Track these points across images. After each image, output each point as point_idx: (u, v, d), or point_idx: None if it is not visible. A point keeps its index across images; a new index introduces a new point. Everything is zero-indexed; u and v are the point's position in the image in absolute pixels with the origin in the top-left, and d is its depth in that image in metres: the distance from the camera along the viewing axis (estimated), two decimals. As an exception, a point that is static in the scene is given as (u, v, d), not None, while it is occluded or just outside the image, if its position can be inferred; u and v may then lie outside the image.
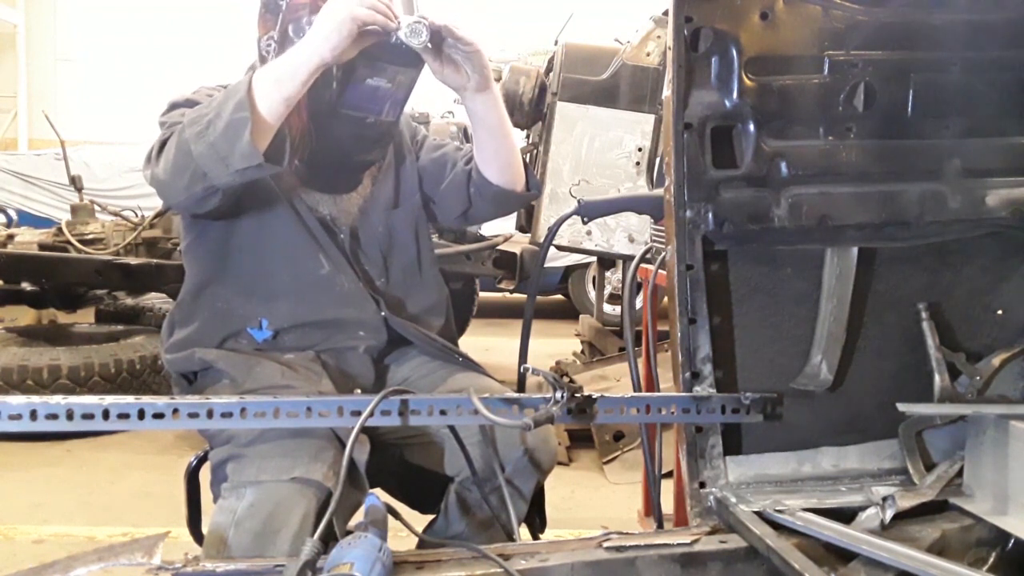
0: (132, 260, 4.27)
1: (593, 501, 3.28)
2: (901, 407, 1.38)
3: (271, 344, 1.63)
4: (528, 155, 3.68)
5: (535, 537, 1.68)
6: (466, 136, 4.51)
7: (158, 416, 1.21)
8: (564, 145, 3.44)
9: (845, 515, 1.29)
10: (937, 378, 1.40)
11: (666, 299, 1.43)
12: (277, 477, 1.32)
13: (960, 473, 1.38)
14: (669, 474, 2.37)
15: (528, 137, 3.98)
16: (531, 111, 3.53)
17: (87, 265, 4.23)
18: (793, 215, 1.36)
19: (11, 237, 4.66)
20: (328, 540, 1.09)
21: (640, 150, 3.43)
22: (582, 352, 4.90)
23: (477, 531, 1.59)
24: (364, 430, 1.26)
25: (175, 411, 1.22)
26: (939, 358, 1.41)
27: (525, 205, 3.33)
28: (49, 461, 3.56)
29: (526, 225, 3.95)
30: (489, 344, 5.62)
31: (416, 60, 1.52)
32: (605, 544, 1.19)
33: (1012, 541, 1.26)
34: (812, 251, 1.41)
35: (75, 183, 4.85)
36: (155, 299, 5.14)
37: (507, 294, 6.52)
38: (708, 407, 1.35)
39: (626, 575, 1.17)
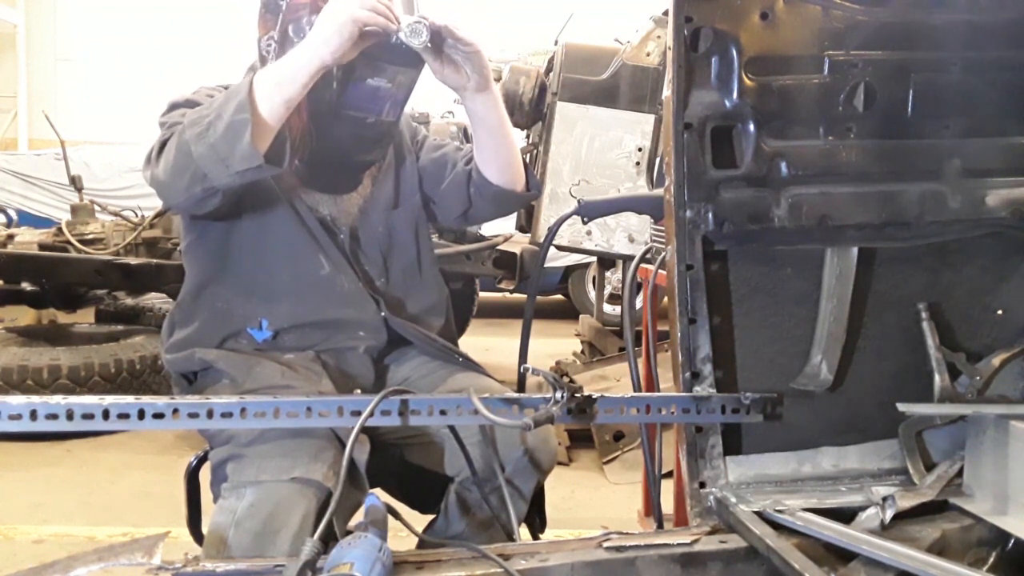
0: (132, 260, 4.28)
1: (593, 501, 3.28)
2: (901, 407, 1.38)
3: (271, 344, 1.63)
4: (528, 155, 3.68)
5: (535, 537, 1.68)
6: (466, 136, 4.51)
7: (158, 416, 1.21)
8: (564, 145, 3.45)
9: (845, 515, 1.29)
10: (937, 378, 1.40)
11: (666, 299, 1.43)
12: (277, 477, 1.32)
13: (960, 473, 1.38)
14: (669, 474, 2.37)
15: (528, 137, 3.98)
16: (531, 111, 3.53)
17: (87, 265, 4.24)
18: (793, 215, 1.36)
19: (11, 237, 4.67)
20: (328, 540, 1.09)
21: (640, 150, 3.43)
22: (582, 352, 4.90)
23: (477, 531, 1.59)
24: (364, 430, 1.26)
25: (175, 411, 1.22)
26: (939, 358, 1.41)
27: (525, 205, 3.33)
28: (49, 461, 3.56)
29: (526, 225, 3.95)
30: (489, 344, 5.62)
31: (416, 60, 1.52)
32: (605, 544, 1.19)
33: (1012, 541, 1.26)
34: (812, 251, 1.41)
35: (75, 183, 4.85)
36: (155, 299, 5.14)
37: (507, 294, 6.52)
38: (708, 407, 1.35)
39: (626, 575, 1.17)
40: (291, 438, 1.35)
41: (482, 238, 4.62)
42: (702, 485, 1.36)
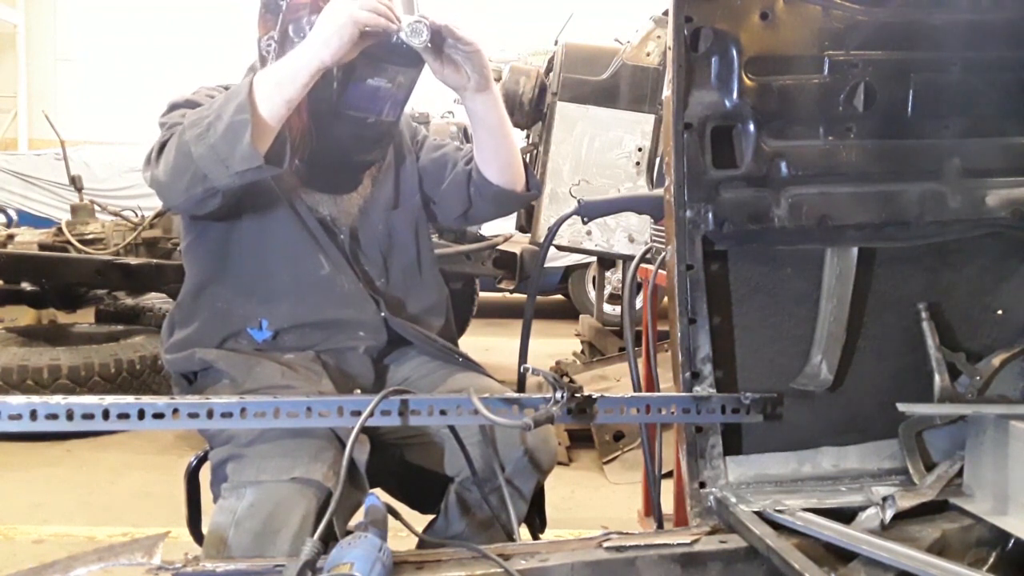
0: (132, 260, 4.28)
1: (593, 501, 3.28)
2: (901, 407, 1.38)
3: (271, 344, 1.63)
4: (528, 155, 3.68)
5: (535, 537, 1.68)
6: (466, 136, 4.51)
7: (158, 416, 1.21)
8: (564, 145, 3.45)
9: (845, 515, 1.29)
10: (937, 378, 1.40)
11: (666, 299, 1.43)
12: (277, 477, 1.32)
13: (960, 473, 1.38)
14: (669, 474, 2.37)
15: (528, 137, 3.98)
16: (531, 111, 3.53)
17: (87, 265, 4.24)
18: (793, 215, 1.36)
19: (11, 237, 4.67)
20: (328, 540, 1.09)
21: (640, 150, 3.43)
22: (582, 352, 4.90)
23: (477, 531, 1.59)
24: (364, 430, 1.26)
25: (175, 411, 1.22)
26: (939, 358, 1.41)
27: (525, 205, 3.33)
28: (49, 461, 3.56)
29: (526, 225, 3.95)
30: (489, 344, 5.62)
31: (416, 60, 1.52)
32: (605, 544, 1.19)
33: (1012, 541, 1.26)
34: (812, 251, 1.41)
35: (75, 183, 4.85)
36: (155, 299, 5.14)
37: (507, 294, 6.52)
38: (708, 407, 1.35)
39: (626, 575, 1.17)
40: (291, 438, 1.35)
41: (482, 238, 4.62)
42: (702, 485, 1.36)
